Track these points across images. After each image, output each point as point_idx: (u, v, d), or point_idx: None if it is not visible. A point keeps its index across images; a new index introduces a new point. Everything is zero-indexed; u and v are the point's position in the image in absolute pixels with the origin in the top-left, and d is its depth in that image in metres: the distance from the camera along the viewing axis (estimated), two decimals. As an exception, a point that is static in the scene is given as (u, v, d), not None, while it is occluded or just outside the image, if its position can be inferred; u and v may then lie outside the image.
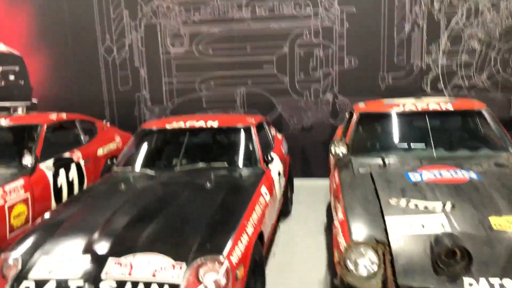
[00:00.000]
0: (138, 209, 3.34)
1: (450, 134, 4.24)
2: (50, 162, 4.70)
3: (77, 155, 5.15)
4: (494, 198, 2.93)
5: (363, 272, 2.60)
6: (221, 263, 2.65)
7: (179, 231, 2.99)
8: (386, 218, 2.79)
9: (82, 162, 5.18)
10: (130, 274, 2.65)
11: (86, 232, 3.04)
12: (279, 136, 5.78)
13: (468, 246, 2.47)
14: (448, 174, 3.34)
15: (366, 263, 2.62)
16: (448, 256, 2.42)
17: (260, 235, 3.39)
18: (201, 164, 4.20)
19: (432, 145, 3.92)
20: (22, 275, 2.70)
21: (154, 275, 2.63)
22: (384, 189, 3.18)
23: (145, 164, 4.32)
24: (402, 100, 4.57)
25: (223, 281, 2.63)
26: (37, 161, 4.45)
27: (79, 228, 3.14)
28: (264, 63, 6.88)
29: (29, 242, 2.97)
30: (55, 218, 3.34)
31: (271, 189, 3.97)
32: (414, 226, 2.69)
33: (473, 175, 3.29)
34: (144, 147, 4.58)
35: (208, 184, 3.78)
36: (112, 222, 3.16)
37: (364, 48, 6.58)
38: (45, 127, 4.89)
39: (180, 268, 2.66)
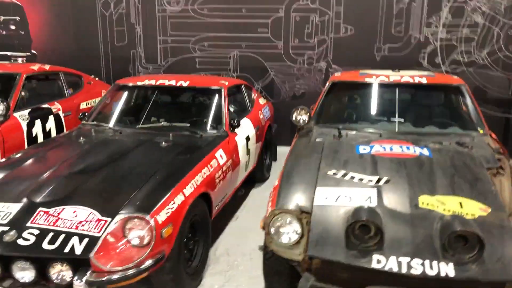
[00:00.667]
0: (85, 162, 3.38)
1: (421, 109, 4.09)
2: (25, 112, 4.77)
3: (57, 106, 5.21)
4: (435, 176, 2.83)
5: (285, 240, 2.58)
6: (146, 221, 2.68)
7: (116, 187, 3.02)
8: (316, 188, 2.74)
9: (61, 114, 5.24)
10: (54, 224, 2.70)
11: (27, 180, 3.10)
12: (262, 101, 5.70)
13: (386, 223, 2.42)
14: (399, 149, 3.23)
15: (289, 232, 2.59)
16: (362, 231, 2.36)
17: (207, 197, 3.40)
18: (163, 123, 4.19)
19: (397, 119, 3.79)
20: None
21: (76, 227, 2.68)
22: (328, 160, 3.11)
23: (111, 120, 4.34)
24: (379, 71, 4.41)
25: (146, 238, 2.66)
26: (8, 109, 4.51)
27: (22, 176, 3.20)
28: (259, 26, 6.73)
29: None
30: (3, 164, 3.42)
31: (230, 153, 3.95)
32: (342, 198, 2.63)
33: (425, 152, 3.18)
34: (115, 103, 4.59)
35: (164, 143, 3.77)
36: (55, 173, 3.21)
37: (361, 16, 6.35)
38: (24, 76, 4.94)
39: (105, 222, 2.69)
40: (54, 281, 2.59)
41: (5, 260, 2.60)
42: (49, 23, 7.46)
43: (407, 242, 2.33)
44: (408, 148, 3.25)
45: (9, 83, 4.92)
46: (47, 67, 5.45)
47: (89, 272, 2.55)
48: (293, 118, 3.87)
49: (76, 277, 2.53)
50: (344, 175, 2.89)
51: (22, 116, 4.71)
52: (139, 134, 4.03)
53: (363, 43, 6.40)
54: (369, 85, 4.13)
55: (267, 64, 6.83)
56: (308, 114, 3.85)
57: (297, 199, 2.68)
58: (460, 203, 2.54)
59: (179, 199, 2.98)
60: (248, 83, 5.53)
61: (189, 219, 3.10)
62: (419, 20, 6.23)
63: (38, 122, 4.88)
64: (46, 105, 5.07)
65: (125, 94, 4.67)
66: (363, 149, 3.26)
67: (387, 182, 2.77)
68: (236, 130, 4.27)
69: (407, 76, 4.10)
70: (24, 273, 2.61)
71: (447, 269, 2.20)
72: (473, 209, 2.50)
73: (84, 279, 2.52)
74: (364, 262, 2.28)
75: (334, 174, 2.91)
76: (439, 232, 2.30)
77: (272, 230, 2.61)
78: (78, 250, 2.57)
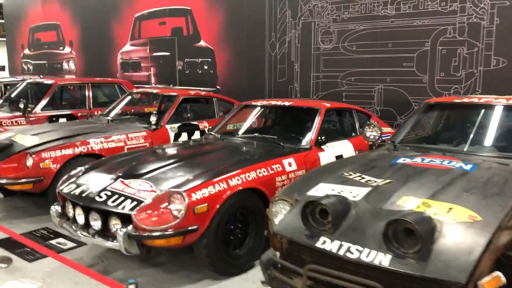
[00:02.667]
0: (176, 157, 4.19)
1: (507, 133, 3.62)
2: (175, 125, 5.97)
3: (204, 124, 6.30)
4: (450, 187, 2.63)
5: (277, 223, 2.82)
6: (182, 196, 3.28)
7: (180, 173, 3.71)
8: (320, 183, 2.88)
9: (207, 130, 6.31)
10: (122, 190, 3.53)
11: (130, 164, 4.06)
12: (385, 129, 5.55)
13: (354, 213, 2.45)
14: (438, 162, 3.05)
15: (282, 216, 2.82)
16: (323, 216, 2.44)
17: (262, 194, 3.78)
18: (255, 134, 4.78)
19: (472, 140, 3.49)
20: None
21: (134, 194, 3.45)
22: (356, 165, 3.17)
23: (218, 130, 5.18)
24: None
25: (180, 209, 3.26)
26: (160, 121, 5.74)
27: (131, 162, 4.16)
28: (405, 60, 6.70)
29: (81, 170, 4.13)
30: (130, 154, 4.48)
31: (304, 164, 4.21)
32: (332, 191, 2.72)
33: (466, 167, 2.93)
34: (231, 119, 5.39)
35: (244, 149, 4.34)
36: (147, 158, 4.13)
37: (515, 46, 5.74)
38: (180, 98, 6.20)
39: (154, 193, 3.41)
40: (112, 231, 3.39)
41: (86, 212, 3.53)
42: (231, 64, 8.91)
43: (360, 231, 2.33)
44: (450, 162, 3.04)
45: (168, 103, 6.25)
46: (202, 92, 6.66)
47: (130, 226, 3.25)
48: (365, 134, 3.93)
49: (120, 228, 3.26)
50: (358, 177, 2.93)
51: (172, 128, 5.91)
52: (233, 141, 4.70)
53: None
54: (459, 107, 3.89)
55: (410, 98, 6.70)
56: (379, 131, 3.87)
57: (298, 190, 2.88)
58: (450, 209, 2.36)
59: (221, 186, 3.48)
60: (365, 110, 5.62)
61: (233, 207, 3.54)
62: None
63: (184, 134, 6.01)
64: (195, 122, 6.20)
65: (247, 111, 5.40)
66: (402, 160, 3.20)
67: (388, 183, 2.72)
68: (324, 147, 4.51)
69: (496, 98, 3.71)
70: (96, 222, 3.48)
71: (383, 259, 2.13)
72: (460, 215, 2.29)
73: (124, 230, 3.23)
74: (310, 241, 2.37)
75: (349, 175, 2.98)
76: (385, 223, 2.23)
77: (271, 214, 2.88)
78: (126, 208, 3.32)
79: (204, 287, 3.51)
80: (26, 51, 15.23)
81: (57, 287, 3.51)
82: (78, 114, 7.47)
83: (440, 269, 2.00)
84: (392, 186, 2.68)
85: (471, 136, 3.51)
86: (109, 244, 3.35)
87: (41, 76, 10.45)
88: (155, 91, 7.03)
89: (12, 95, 8.17)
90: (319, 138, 4.49)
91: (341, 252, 2.24)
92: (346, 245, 2.27)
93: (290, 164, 4.10)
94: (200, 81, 9.42)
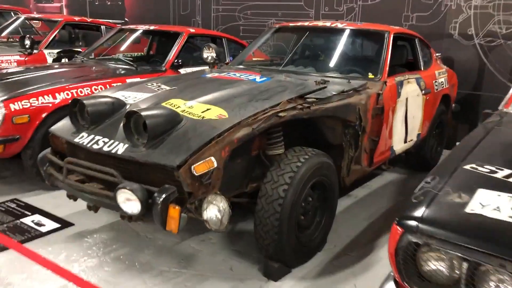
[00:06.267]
0: (23, 72, 4.22)
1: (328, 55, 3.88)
2: (55, 51, 5.93)
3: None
4: (225, 92, 2.84)
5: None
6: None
7: (14, 86, 3.75)
8: (120, 91, 3.05)
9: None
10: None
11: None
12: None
13: (121, 112, 2.63)
14: (240, 75, 3.28)
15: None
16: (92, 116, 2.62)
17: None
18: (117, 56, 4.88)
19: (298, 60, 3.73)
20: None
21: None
22: (169, 78, 3.37)
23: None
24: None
25: None
26: (33, 45, 5.68)
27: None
28: (295, -6, 6.82)
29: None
30: None
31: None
32: (123, 96, 2.89)
33: (258, 79, 3.15)
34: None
35: (98, 68, 4.45)
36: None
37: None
38: (62, 23, 6.11)
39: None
40: None
41: None
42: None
43: (116, 126, 2.51)
44: (250, 76, 3.26)
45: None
46: (89, 19, 6.59)
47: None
48: (203, 55, 4.06)
49: None
50: (155, 86, 3.10)
51: (50, 53, 5.88)
52: (90, 63, 4.83)
53: (390, 12, 5.97)
54: (296, 30, 4.11)
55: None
56: (215, 52, 4.02)
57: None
58: (208, 109, 2.57)
59: (46, 99, 3.58)
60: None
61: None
62: (450, -16, 5.55)
63: (64, 60, 5.99)
64: (79, 49, 6.17)
65: (124, 35, 5.40)
66: (210, 74, 3.42)
67: (171, 90, 2.92)
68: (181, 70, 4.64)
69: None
70: None
71: (120, 148, 2.33)
72: (211, 114, 2.51)
73: None
74: (71, 137, 2.55)
75: (151, 85, 3.14)
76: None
77: None
78: None
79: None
80: None
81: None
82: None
83: (163, 155, 2.22)
84: (172, 92, 2.87)
85: (296, 57, 3.74)
86: None
87: None
88: (43, 18, 6.84)
89: None
90: (176, 61, 4.61)
91: (89, 145, 2.43)
92: (97, 138, 2.46)
93: (134, 83, 4.23)
94: (109, 13, 9.22)
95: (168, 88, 3.01)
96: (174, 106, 2.61)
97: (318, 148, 2.86)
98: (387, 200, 3.96)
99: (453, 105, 5.01)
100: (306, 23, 4.21)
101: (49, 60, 5.84)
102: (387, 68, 3.51)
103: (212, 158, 2.22)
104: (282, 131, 2.74)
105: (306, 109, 2.68)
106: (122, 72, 4.41)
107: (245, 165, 2.71)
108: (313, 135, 3.10)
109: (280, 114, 2.54)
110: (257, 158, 2.79)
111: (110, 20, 8.93)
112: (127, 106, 2.72)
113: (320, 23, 4.05)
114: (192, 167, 2.17)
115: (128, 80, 4.18)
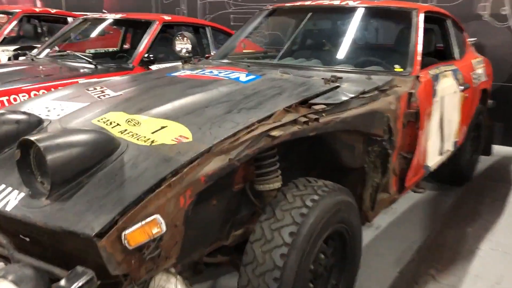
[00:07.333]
0: None
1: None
2: (11, 47, 5.02)
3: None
4: (195, 99, 1.93)
5: None
6: None
7: None
8: (44, 98, 2.14)
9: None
10: None
11: None
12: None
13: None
14: (212, 73, 2.35)
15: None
16: None
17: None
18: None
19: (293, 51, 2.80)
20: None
21: None
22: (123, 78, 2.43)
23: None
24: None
25: None
26: None
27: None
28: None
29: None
30: None
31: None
32: (46, 109, 1.98)
33: (243, 78, 2.23)
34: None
35: (46, 68, 3.53)
36: None
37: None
38: (19, 15, 5.20)
39: None
40: None
41: None
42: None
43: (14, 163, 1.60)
44: (232, 73, 2.32)
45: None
46: (53, 11, 5.68)
47: None
48: (175, 47, 3.15)
49: None
50: (98, 91, 2.18)
51: (4, 50, 4.97)
52: (40, 61, 3.90)
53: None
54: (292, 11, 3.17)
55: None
56: (191, 44, 3.10)
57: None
58: (163, 127, 1.66)
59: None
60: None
61: None
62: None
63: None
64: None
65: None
66: (177, 73, 2.47)
67: (116, 96, 2.01)
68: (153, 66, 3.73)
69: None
70: None
71: (10, 201, 1.43)
72: (167, 135, 1.59)
73: None
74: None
75: (90, 89, 2.22)
76: None
77: None
78: None
79: None
80: None
81: None
82: None
83: (74, 215, 1.31)
84: (114, 100, 1.95)
85: (296, 47, 2.84)
86: None
87: None
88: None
89: None
90: (146, 56, 3.71)
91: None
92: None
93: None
94: (85, 5, 8.29)
95: (113, 94, 2.10)
96: (110, 124, 1.69)
97: (329, 173, 1.97)
98: (418, 230, 3.04)
99: (489, 101, 4.09)
100: (307, 2, 3.28)
101: (4, 59, 4.92)
102: (419, 58, 2.60)
103: (158, 217, 1.31)
104: (278, 154, 1.84)
105: (313, 122, 1.76)
106: (77, 72, 3.51)
107: (223, 208, 1.81)
108: (322, 156, 2.19)
109: (273, 133, 1.63)
110: (242, 194, 1.89)
111: (88, 13, 8.06)
112: (44, 124, 1.81)
113: (326, 2, 3.12)
114: (123, 234, 1.26)
115: (82, 82, 3.27)
